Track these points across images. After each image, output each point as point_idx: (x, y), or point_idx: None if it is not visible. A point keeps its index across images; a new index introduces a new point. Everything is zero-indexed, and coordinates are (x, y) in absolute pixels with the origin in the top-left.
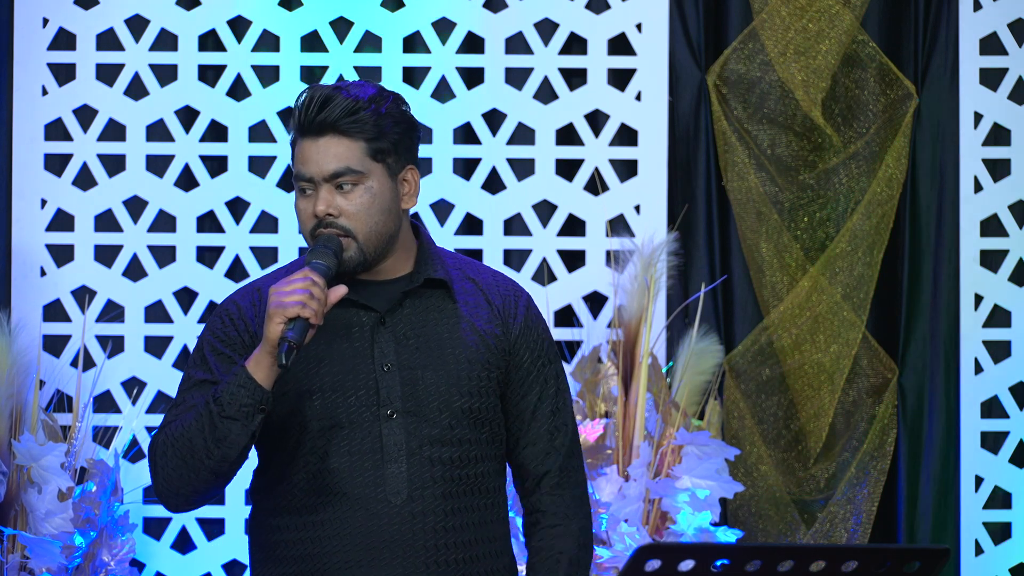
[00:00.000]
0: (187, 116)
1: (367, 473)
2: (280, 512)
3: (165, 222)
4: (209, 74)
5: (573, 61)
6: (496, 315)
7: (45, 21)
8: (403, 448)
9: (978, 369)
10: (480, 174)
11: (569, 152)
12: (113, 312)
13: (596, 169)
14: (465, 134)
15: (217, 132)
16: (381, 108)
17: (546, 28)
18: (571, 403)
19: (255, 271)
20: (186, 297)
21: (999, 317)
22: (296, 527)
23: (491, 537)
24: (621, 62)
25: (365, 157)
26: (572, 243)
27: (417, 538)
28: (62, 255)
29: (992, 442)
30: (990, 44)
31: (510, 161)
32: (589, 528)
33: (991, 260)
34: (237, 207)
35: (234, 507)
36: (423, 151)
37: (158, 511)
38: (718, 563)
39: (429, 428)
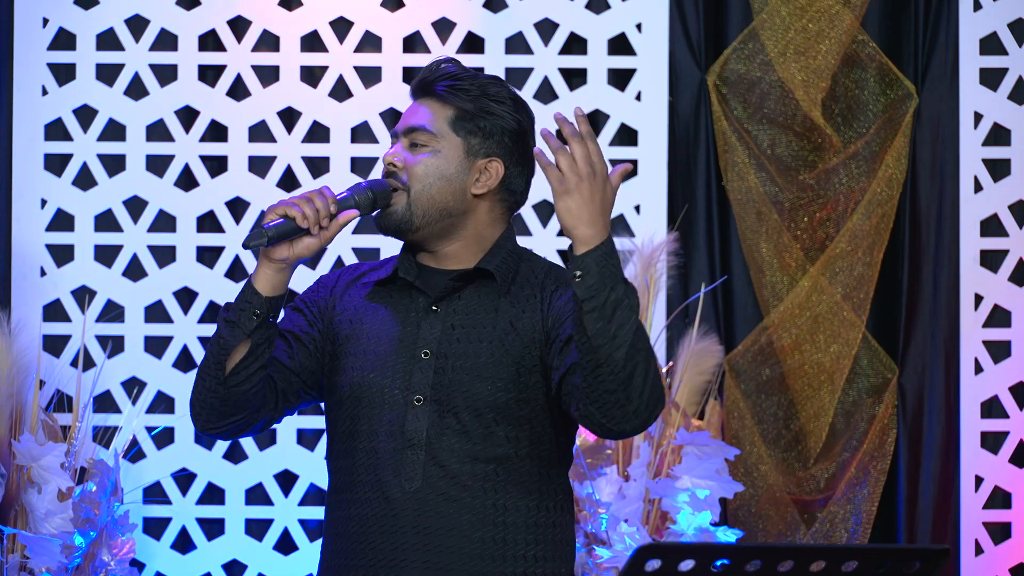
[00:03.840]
0: (187, 116)
1: (386, 456)
2: (332, 489)
3: (165, 222)
4: (209, 74)
5: (573, 61)
6: (539, 307)
7: (45, 21)
8: (423, 436)
9: (978, 369)
10: None
11: None
12: (113, 312)
13: None
14: None
15: (217, 132)
16: (488, 91)
17: (546, 28)
18: None
19: None
20: (186, 297)
21: (999, 317)
22: (338, 505)
23: (503, 539)
24: (621, 62)
25: (445, 124)
26: None
27: (429, 527)
28: (62, 255)
29: (992, 442)
30: (990, 44)
31: None
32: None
33: (991, 260)
34: (237, 207)
35: (234, 507)
36: None
37: (158, 511)
38: (718, 563)
39: (453, 420)
